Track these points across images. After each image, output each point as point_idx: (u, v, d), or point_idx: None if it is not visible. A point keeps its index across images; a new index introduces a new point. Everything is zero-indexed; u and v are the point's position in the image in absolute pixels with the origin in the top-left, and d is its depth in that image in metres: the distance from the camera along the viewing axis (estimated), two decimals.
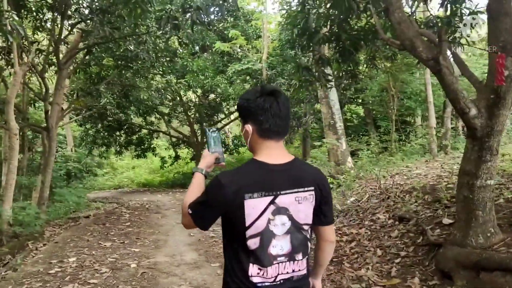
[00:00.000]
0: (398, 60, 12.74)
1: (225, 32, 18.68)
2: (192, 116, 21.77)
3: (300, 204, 1.66)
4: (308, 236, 1.71)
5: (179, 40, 12.43)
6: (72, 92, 12.57)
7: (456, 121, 15.58)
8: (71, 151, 20.36)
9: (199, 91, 19.78)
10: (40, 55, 10.86)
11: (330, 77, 7.62)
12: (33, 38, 11.17)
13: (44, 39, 12.12)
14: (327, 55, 7.61)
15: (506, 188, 5.87)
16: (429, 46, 4.19)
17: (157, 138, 24.22)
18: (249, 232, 1.59)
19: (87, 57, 11.43)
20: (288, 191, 1.64)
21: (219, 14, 17.46)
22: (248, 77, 17.44)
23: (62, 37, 10.34)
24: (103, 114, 16.39)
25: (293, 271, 1.67)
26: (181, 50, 19.15)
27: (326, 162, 11.63)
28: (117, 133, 20.53)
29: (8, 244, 6.97)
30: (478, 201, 4.17)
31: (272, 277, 1.62)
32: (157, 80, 13.24)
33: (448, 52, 4.35)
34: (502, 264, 3.74)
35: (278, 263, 1.63)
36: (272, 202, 1.61)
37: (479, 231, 4.18)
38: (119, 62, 12.18)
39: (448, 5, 5.80)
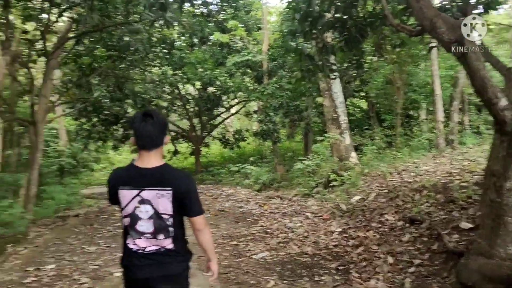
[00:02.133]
0: (404, 51, 12.16)
1: (224, 23, 18.07)
2: (191, 109, 21.24)
3: (159, 198, 2.24)
4: (168, 223, 2.27)
5: (176, 30, 11.84)
6: (62, 84, 11.98)
7: (462, 115, 15.01)
8: (64, 146, 19.80)
9: (198, 84, 19.23)
10: (27, 44, 10.27)
11: (334, 67, 7.05)
12: (22, 28, 10.62)
13: (33, 28, 11.53)
14: (331, 43, 7.04)
15: None
16: (452, 26, 3.63)
17: None
18: (123, 213, 2.31)
19: (77, 47, 10.83)
20: (150, 188, 2.24)
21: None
22: (248, 69, 16.87)
23: (50, 25, 9.77)
24: (98, 107, 15.85)
25: (158, 245, 2.29)
26: (179, 43, 18.61)
27: (328, 157, 11.09)
28: (114, 127, 19.98)
29: None
30: (507, 206, 3.63)
31: (142, 247, 2.28)
32: (153, 72, 12.66)
33: None
34: None
35: (145, 238, 2.28)
36: (138, 194, 2.25)
37: (508, 240, 3.64)
38: (112, 52, 11.59)
39: None
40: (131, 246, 2.30)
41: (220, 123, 22.88)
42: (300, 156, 13.49)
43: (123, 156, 26.74)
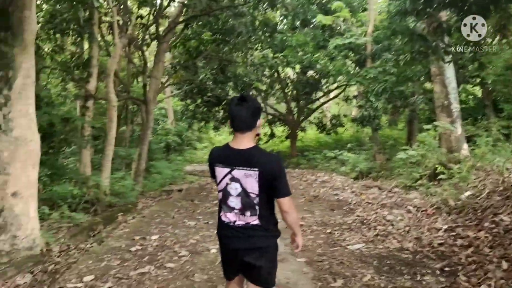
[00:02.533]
0: None
1: (327, 5, 17.58)
2: (289, 93, 21.22)
3: (247, 178, 2.38)
4: (255, 201, 2.42)
5: (279, 13, 11.80)
6: (171, 66, 12.68)
7: None
8: (171, 124, 21.06)
9: (298, 67, 19.09)
10: (141, 28, 10.99)
11: (449, 49, 6.42)
12: (137, 13, 11.40)
13: (147, 14, 12.33)
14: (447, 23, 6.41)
15: None
16: None
17: None
18: (218, 188, 2.53)
19: (185, 31, 11.35)
20: (240, 168, 2.39)
21: None
22: (350, 52, 16.25)
23: (162, 10, 10.34)
24: (203, 89, 16.56)
25: (246, 222, 2.45)
26: (281, 26, 18.58)
27: (436, 147, 10.26)
28: (216, 108, 20.77)
29: (102, 213, 7.13)
30: None
31: (232, 221, 2.48)
32: (254, 54, 12.83)
33: None
34: None
35: (235, 213, 2.46)
36: (229, 172, 2.43)
37: None
38: (217, 36, 11.95)
39: None
40: (223, 218, 2.52)
41: (317, 107, 22.55)
42: (402, 145, 12.74)
43: (223, 137, 27.78)
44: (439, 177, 8.66)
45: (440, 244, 5.26)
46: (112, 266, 4.41)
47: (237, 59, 13.20)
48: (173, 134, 19.84)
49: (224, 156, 2.47)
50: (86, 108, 8.99)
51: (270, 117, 22.28)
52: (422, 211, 7.05)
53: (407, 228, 5.99)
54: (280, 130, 23.13)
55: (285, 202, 2.44)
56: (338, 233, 5.92)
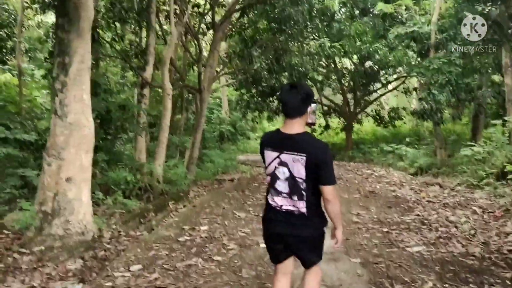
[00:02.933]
0: None
1: None
2: (346, 84, 20.64)
3: (294, 163, 2.44)
4: (301, 186, 2.46)
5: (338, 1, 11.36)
6: (226, 55, 12.63)
7: None
8: (225, 114, 21.19)
9: (355, 57, 18.46)
10: (198, 17, 10.99)
11: None
12: (194, 2, 11.42)
13: (204, 3, 12.31)
14: None
15: None
16: None
17: None
18: (266, 171, 2.60)
19: (240, 19, 11.21)
20: (288, 152, 2.46)
21: None
22: (412, 42, 15.41)
23: None
24: (258, 79, 16.46)
25: (293, 206, 2.50)
26: (339, 15, 18.01)
27: (505, 144, 9.49)
28: (270, 98, 20.64)
29: (154, 201, 7.21)
30: None
31: (279, 205, 2.54)
32: (310, 44, 12.46)
33: None
34: None
35: (282, 197, 2.53)
36: (278, 156, 2.50)
37: None
38: (273, 25, 11.70)
39: None
40: (270, 202, 2.59)
41: (375, 99, 21.79)
42: (466, 141, 11.94)
43: (277, 127, 27.62)
44: (508, 177, 7.98)
45: (510, 251, 4.79)
46: (160, 256, 4.38)
47: (292, 48, 12.88)
48: (227, 123, 19.95)
49: (274, 140, 2.55)
50: (142, 96, 9.15)
51: (325, 108, 21.80)
52: (489, 213, 6.52)
53: (472, 231, 5.53)
54: (335, 122, 22.63)
55: (328, 190, 2.45)
56: (395, 232, 5.57)
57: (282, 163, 2.48)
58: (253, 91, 19.30)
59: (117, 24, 10.13)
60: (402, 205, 7.36)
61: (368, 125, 23.14)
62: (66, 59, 4.46)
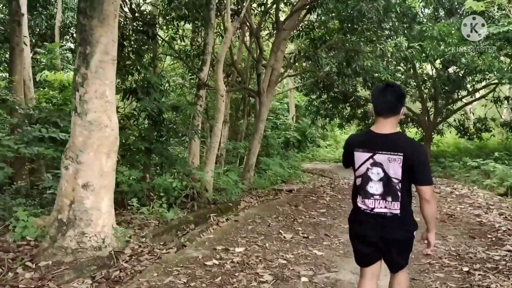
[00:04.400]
0: None
1: None
2: (426, 91, 18.92)
3: (390, 163, 2.43)
4: (397, 187, 2.45)
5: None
6: (290, 56, 11.82)
7: None
8: (292, 119, 20.45)
9: (438, 62, 16.76)
10: (260, 15, 10.34)
11: None
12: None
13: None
14: None
15: None
16: None
17: None
18: (356, 174, 2.59)
19: (308, 17, 10.36)
20: (383, 152, 2.45)
21: None
22: (506, 44, 13.54)
23: None
24: (329, 85, 15.55)
25: (386, 207, 2.49)
26: (421, 15, 16.53)
27: None
28: (342, 105, 19.59)
29: (198, 211, 6.62)
30: None
31: (370, 207, 2.53)
32: (385, 44, 11.24)
33: None
34: None
35: (374, 199, 2.51)
36: (371, 157, 2.49)
37: None
38: (344, 24, 10.69)
39: None
40: (360, 205, 2.57)
41: (459, 108, 19.74)
42: None
43: (350, 134, 26.34)
44: None
45: None
46: (175, 284, 3.65)
47: (364, 49, 11.74)
48: (293, 130, 19.17)
49: (365, 141, 2.52)
50: (198, 97, 8.65)
51: (402, 117, 20.19)
52: None
53: None
54: (412, 131, 20.96)
55: (427, 190, 2.42)
56: (479, 274, 4.38)
57: (376, 164, 2.46)
58: (324, 96, 18.38)
59: (177, 22, 9.77)
60: (489, 235, 6.02)
61: (450, 137, 21.23)
62: (88, 49, 3.94)
